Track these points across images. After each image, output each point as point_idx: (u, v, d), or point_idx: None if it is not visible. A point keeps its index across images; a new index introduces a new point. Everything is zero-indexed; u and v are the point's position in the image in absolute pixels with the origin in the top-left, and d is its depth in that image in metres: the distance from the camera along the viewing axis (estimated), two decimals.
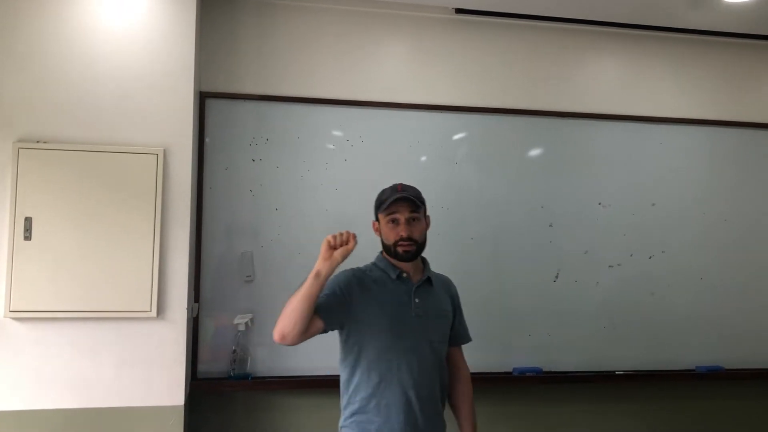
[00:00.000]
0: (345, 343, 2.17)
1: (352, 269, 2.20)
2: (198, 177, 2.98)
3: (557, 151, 3.39)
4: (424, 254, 2.27)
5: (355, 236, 2.02)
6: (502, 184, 3.31)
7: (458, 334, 2.36)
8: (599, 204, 3.39)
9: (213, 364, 2.97)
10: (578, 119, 3.41)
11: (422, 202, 2.20)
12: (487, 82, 3.36)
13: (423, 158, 3.24)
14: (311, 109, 3.15)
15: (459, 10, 3.31)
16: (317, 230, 3.02)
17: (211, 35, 3.09)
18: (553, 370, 3.26)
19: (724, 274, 3.49)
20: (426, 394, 2.13)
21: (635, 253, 3.41)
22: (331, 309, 2.06)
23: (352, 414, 2.13)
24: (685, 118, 3.53)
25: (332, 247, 1.97)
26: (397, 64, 3.30)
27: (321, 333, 2.06)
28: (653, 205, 3.44)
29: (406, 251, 2.14)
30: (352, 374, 2.15)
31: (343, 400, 2.19)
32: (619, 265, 3.39)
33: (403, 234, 2.13)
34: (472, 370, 3.01)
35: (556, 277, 3.31)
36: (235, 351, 2.97)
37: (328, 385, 2.95)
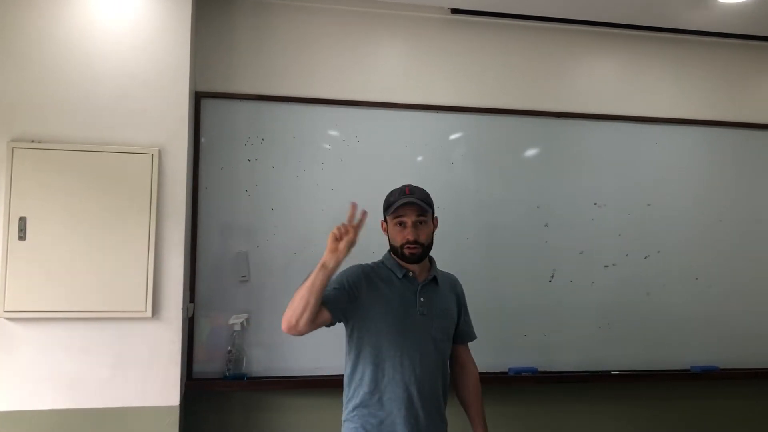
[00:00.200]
0: (350, 337, 2.21)
1: (361, 265, 2.26)
2: (193, 177, 2.97)
3: (553, 151, 3.39)
4: (431, 253, 2.32)
5: (362, 218, 2.06)
6: (498, 184, 3.31)
7: (464, 332, 2.41)
8: (595, 204, 3.39)
9: (208, 365, 2.97)
10: (574, 119, 3.42)
11: (429, 205, 2.24)
12: (483, 82, 3.36)
13: (419, 158, 3.24)
14: (307, 109, 3.14)
15: (455, 10, 3.31)
16: (313, 230, 3.04)
17: (207, 35, 3.09)
18: (548, 369, 3.26)
19: (720, 274, 3.50)
20: (428, 391, 2.17)
21: (631, 253, 3.41)
22: (338, 302, 2.10)
23: (355, 408, 2.17)
24: (681, 118, 3.54)
25: (338, 239, 1.99)
26: (393, 64, 3.30)
27: (328, 325, 2.11)
28: (649, 205, 3.45)
29: (412, 253, 2.19)
30: (355, 369, 2.19)
31: (346, 394, 2.23)
32: (614, 265, 3.39)
33: (410, 238, 2.18)
34: None
35: (552, 277, 3.32)
36: (230, 351, 2.96)
37: (323, 385, 2.97)
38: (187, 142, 2.80)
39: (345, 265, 2.23)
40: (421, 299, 2.22)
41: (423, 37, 3.33)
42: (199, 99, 3.02)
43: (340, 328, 2.22)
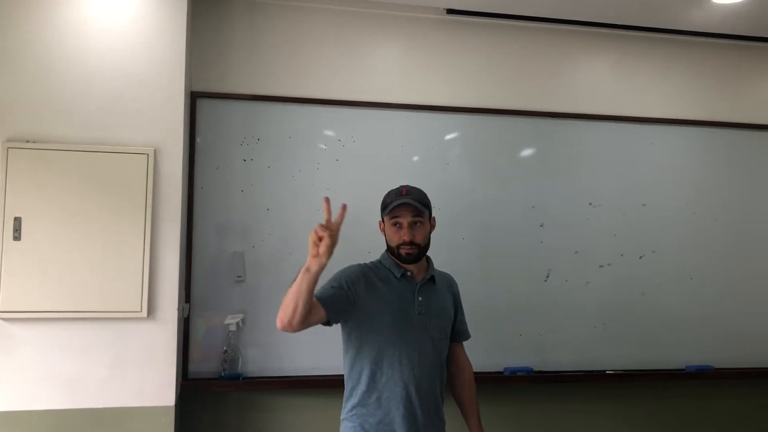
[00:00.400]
0: (348, 336, 2.22)
1: (360, 265, 2.27)
2: (189, 177, 2.97)
3: (548, 151, 3.40)
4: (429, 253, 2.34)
5: (340, 214, 1.97)
6: (494, 184, 3.32)
7: (459, 331, 2.44)
8: (590, 204, 3.40)
9: (204, 365, 2.97)
10: (569, 119, 3.42)
11: (426, 206, 2.25)
12: (478, 83, 3.37)
13: (415, 158, 3.24)
14: (303, 109, 3.14)
15: (450, 11, 3.32)
16: (308, 230, 3.01)
17: (203, 35, 3.09)
18: (543, 369, 3.27)
19: (714, 274, 3.51)
20: (426, 390, 2.19)
21: (626, 253, 3.42)
22: (336, 303, 2.10)
23: (353, 407, 2.19)
24: (676, 118, 3.55)
25: (317, 244, 1.92)
26: (389, 64, 3.30)
27: (325, 324, 2.11)
28: (644, 205, 3.46)
29: (408, 254, 2.20)
30: (353, 368, 2.21)
31: (345, 393, 2.24)
32: (609, 265, 3.40)
33: (405, 239, 2.19)
34: None
35: (547, 276, 3.32)
36: (226, 351, 2.96)
37: (319, 385, 2.97)
38: (183, 142, 2.79)
39: (345, 264, 2.27)
40: (419, 299, 2.23)
41: (418, 37, 3.33)
42: (194, 99, 3.02)
43: (335, 327, 2.22)
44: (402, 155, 3.22)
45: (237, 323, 2.96)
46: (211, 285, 3.00)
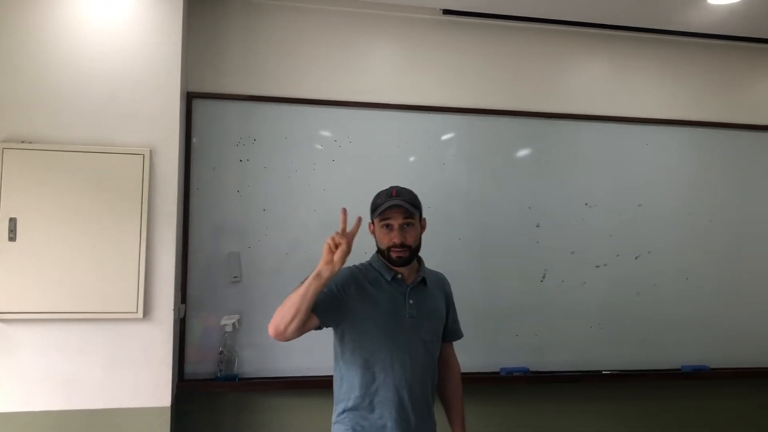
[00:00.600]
0: (340, 341, 2.19)
1: (350, 268, 2.22)
2: (185, 177, 2.97)
3: (544, 151, 3.40)
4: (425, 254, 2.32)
5: (356, 225, 2.04)
6: (490, 184, 3.32)
7: (451, 331, 2.40)
8: (586, 204, 3.41)
9: (200, 365, 2.96)
10: (565, 120, 3.43)
11: (417, 207, 2.22)
12: (474, 83, 3.37)
13: (411, 159, 3.24)
14: (299, 110, 3.14)
15: (446, 11, 3.32)
16: (305, 231, 3.04)
17: (198, 35, 3.09)
18: (540, 369, 3.27)
19: (710, 275, 3.52)
20: (418, 393, 2.16)
21: (621, 253, 3.42)
22: (327, 307, 2.07)
23: (344, 411, 2.16)
24: (672, 119, 3.56)
25: (332, 251, 1.96)
26: (385, 65, 3.31)
27: (316, 329, 2.08)
28: (639, 205, 3.46)
29: (399, 257, 2.17)
30: (345, 372, 2.18)
31: (336, 397, 2.22)
32: (605, 265, 3.40)
33: (396, 241, 2.15)
34: (460, 369, 3.02)
35: (543, 277, 3.33)
36: (222, 352, 2.96)
37: (315, 385, 2.97)
38: (179, 143, 2.79)
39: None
40: (410, 302, 2.20)
41: (415, 37, 3.33)
42: (190, 99, 3.02)
43: (330, 330, 2.22)
44: (398, 156, 3.23)
45: (233, 324, 2.96)
46: (207, 286, 2.99)
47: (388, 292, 2.20)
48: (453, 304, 2.42)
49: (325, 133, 3.17)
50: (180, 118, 2.80)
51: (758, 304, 3.57)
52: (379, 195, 2.24)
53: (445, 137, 3.30)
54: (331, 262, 1.94)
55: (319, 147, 3.16)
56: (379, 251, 2.25)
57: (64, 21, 2.69)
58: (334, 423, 2.20)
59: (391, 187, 2.23)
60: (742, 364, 3.51)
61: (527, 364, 3.26)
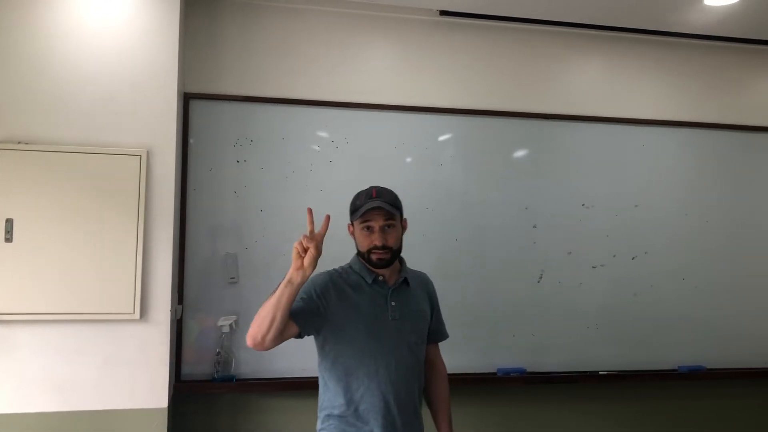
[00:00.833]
0: (322, 348, 2.14)
1: (329, 272, 2.16)
2: (182, 178, 2.97)
3: (541, 152, 3.41)
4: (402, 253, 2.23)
5: (324, 225, 1.97)
6: (487, 185, 3.32)
7: (435, 332, 2.33)
8: (583, 205, 3.41)
9: (197, 366, 2.96)
10: (562, 121, 3.44)
11: (398, 208, 2.15)
12: (471, 84, 3.38)
13: (408, 159, 3.25)
14: (296, 111, 3.14)
15: (443, 12, 3.33)
16: (302, 232, 3.01)
17: (195, 36, 3.09)
18: (536, 370, 3.28)
19: (706, 275, 3.53)
20: (405, 397, 2.11)
21: (618, 254, 3.43)
22: (306, 315, 2.01)
23: (329, 417, 2.11)
24: (668, 120, 3.57)
25: (301, 256, 1.89)
26: (382, 66, 3.31)
27: (296, 338, 2.03)
28: (636, 206, 3.47)
29: (380, 259, 2.10)
30: (328, 379, 2.12)
31: (321, 403, 2.17)
32: (602, 266, 3.41)
33: (377, 243, 2.09)
34: (457, 370, 3.02)
35: (540, 277, 3.33)
36: (219, 353, 2.96)
37: (312, 386, 2.93)
38: (176, 144, 2.79)
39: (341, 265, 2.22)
40: (393, 303, 2.13)
41: (412, 38, 3.34)
42: (187, 100, 3.02)
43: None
44: (395, 156, 3.23)
45: (230, 325, 2.95)
46: (204, 286, 2.99)
47: (369, 294, 2.13)
48: (437, 304, 2.35)
49: (322, 134, 3.17)
50: (177, 118, 2.80)
51: (754, 304, 3.58)
52: (358, 196, 2.17)
53: (442, 138, 3.30)
54: (301, 267, 1.87)
55: (316, 148, 3.16)
56: (359, 253, 2.18)
57: (61, 22, 2.69)
58: (319, 430, 2.15)
59: (371, 188, 2.16)
60: (738, 365, 3.52)
61: (524, 364, 3.27)
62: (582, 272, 3.38)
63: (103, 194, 2.65)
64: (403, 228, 2.21)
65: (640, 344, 3.42)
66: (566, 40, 3.52)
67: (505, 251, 3.30)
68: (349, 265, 2.21)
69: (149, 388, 2.66)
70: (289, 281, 1.87)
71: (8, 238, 2.55)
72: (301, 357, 2.98)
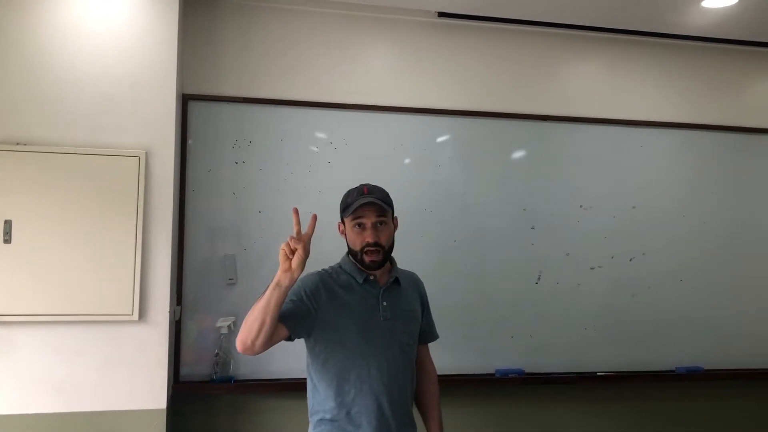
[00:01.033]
0: (312, 350, 2.10)
1: (319, 273, 2.13)
2: (180, 179, 2.97)
3: (539, 153, 3.41)
4: (400, 254, 2.22)
5: (311, 225, 1.93)
6: (485, 186, 3.33)
7: (426, 333, 2.31)
8: (581, 206, 3.42)
9: (195, 368, 2.96)
10: (560, 122, 3.44)
11: (389, 204, 2.12)
12: (470, 86, 3.38)
13: (406, 161, 3.25)
14: (294, 112, 3.15)
15: (442, 14, 3.33)
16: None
17: (194, 37, 3.09)
18: (535, 371, 3.28)
19: (704, 276, 3.54)
20: (397, 398, 2.08)
21: (616, 255, 3.44)
22: (296, 317, 1.98)
23: (320, 422, 2.08)
24: (666, 121, 3.57)
25: (289, 257, 1.85)
26: (381, 67, 3.31)
27: (287, 341, 1.99)
28: (634, 207, 3.48)
29: (373, 261, 2.07)
30: (319, 381, 2.09)
31: (311, 407, 2.14)
32: (600, 267, 3.42)
33: (370, 240, 2.05)
34: (455, 371, 3.03)
35: (538, 278, 3.34)
36: (217, 354, 2.96)
37: None
38: (175, 145, 2.80)
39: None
40: (384, 303, 2.10)
41: (410, 40, 3.34)
42: (186, 101, 3.02)
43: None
44: (393, 157, 3.23)
45: (228, 326, 2.95)
46: (203, 288, 2.99)
47: (360, 294, 2.10)
48: (428, 304, 2.32)
49: (321, 135, 3.17)
50: (176, 120, 2.80)
51: (752, 305, 3.59)
52: (349, 193, 2.13)
53: (440, 139, 3.31)
54: (289, 269, 1.83)
55: (315, 149, 3.16)
56: (350, 252, 2.14)
57: (60, 23, 2.69)
58: None
59: (362, 185, 2.13)
60: (736, 365, 3.53)
61: (522, 365, 3.27)
62: (580, 273, 3.39)
63: (101, 195, 2.65)
64: (395, 227, 2.17)
65: (638, 345, 3.42)
66: (564, 41, 3.53)
67: (503, 252, 3.31)
68: (339, 265, 2.18)
69: (148, 389, 2.66)
70: (278, 284, 1.84)
71: (7, 239, 2.55)
72: (299, 358, 2.95)
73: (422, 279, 2.35)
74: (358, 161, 3.17)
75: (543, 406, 3.37)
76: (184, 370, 2.95)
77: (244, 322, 1.89)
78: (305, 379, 2.96)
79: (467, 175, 3.31)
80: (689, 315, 3.49)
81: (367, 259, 2.07)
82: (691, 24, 3.42)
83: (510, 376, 3.23)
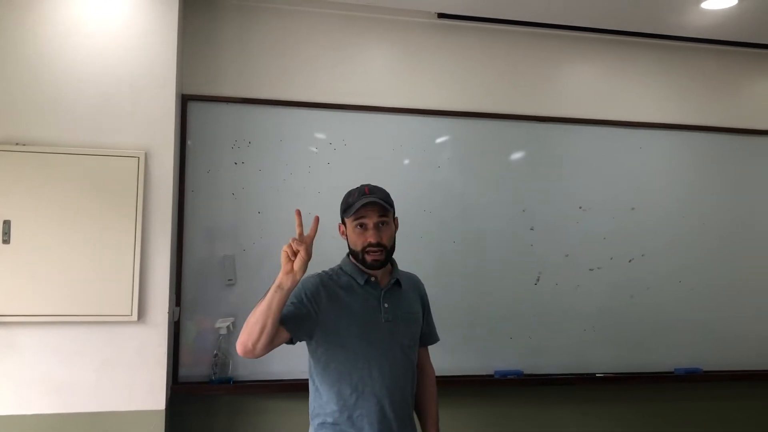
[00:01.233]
0: (314, 352, 2.08)
1: (319, 275, 2.11)
2: (180, 180, 2.97)
3: (539, 155, 3.41)
4: (399, 255, 2.20)
5: (313, 227, 1.92)
6: (484, 187, 3.33)
7: (426, 335, 2.29)
8: (580, 208, 3.42)
9: (194, 368, 2.96)
10: (559, 123, 3.44)
11: (391, 204, 2.10)
12: (469, 87, 3.38)
13: (406, 161, 3.25)
14: (294, 113, 3.14)
15: (441, 15, 3.33)
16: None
17: (194, 38, 3.09)
18: (534, 372, 3.28)
19: (703, 277, 3.54)
20: (399, 400, 2.07)
21: (615, 256, 3.44)
22: (297, 320, 1.95)
23: (322, 425, 2.07)
24: (665, 123, 3.57)
25: (291, 259, 1.83)
26: (380, 68, 3.31)
27: (288, 344, 1.97)
28: (633, 209, 3.48)
29: (375, 260, 2.05)
30: (321, 384, 2.08)
31: (312, 410, 2.12)
32: (599, 268, 3.42)
33: (372, 240, 2.03)
34: (454, 372, 3.03)
35: (537, 280, 3.34)
36: (216, 355, 2.96)
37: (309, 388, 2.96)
38: (174, 145, 2.79)
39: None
40: (385, 305, 2.08)
41: (410, 41, 3.34)
42: (185, 102, 3.02)
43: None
44: (393, 158, 3.23)
45: (227, 327, 2.95)
46: (202, 288, 2.99)
47: (362, 296, 2.08)
48: (429, 306, 2.31)
49: (320, 136, 3.17)
50: (175, 120, 2.80)
51: (751, 306, 3.59)
52: (350, 194, 2.11)
53: (439, 140, 3.31)
54: (291, 271, 1.81)
55: (314, 150, 3.16)
56: (352, 253, 2.11)
57: (59, 23, 2.69)
58: None
59: (363, 185, 2.11)
60: (734, 367, 3.53)
61: (521, 366, 3.27)
62: (579, 274, 3.39)
63: (101, 196, 2.65)
64: (396, 227, 2.15)
65: (637, 346, 3.42)
66: (564, 43, 3.53)
67: (502, 253, 3.31)
68: (340, 267, 2.16)
69: (147, 390, 2.66)
70: (279, 286, 1.82)
71: (6, 240, 2.55)
72: (298, 359, 2.96)
73: (422, 280, 2.34)
74: (357, 162, 3.17)
75: (542, 407, 3.37)
76: (183, 371, 2.94)
77: (244, 325, 1.87)
78: (304, 380, 2.96)
79: (466, 176, 3.31)
80: (688, 316, 3.49)
81: (369, 258, 2.05)
82: (691, 25, 3.42)
83: (509, 377, 3.23)
